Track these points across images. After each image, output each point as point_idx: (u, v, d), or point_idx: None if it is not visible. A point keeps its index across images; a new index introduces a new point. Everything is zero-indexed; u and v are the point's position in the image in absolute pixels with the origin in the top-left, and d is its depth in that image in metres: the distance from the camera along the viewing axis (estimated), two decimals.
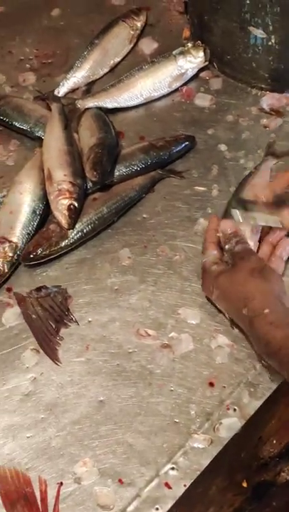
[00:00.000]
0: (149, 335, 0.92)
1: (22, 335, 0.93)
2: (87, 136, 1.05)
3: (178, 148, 1.06)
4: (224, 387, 0.87)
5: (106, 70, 1.20)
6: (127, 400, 0.86)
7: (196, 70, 1.15)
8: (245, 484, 0.99)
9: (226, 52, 1.13)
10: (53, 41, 1.27)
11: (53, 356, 0.91)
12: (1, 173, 1.09)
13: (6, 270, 0.96)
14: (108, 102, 1.12)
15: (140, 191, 1.03)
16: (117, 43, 1.21)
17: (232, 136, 1.11)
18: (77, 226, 0.98)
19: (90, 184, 1.02)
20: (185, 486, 0.79)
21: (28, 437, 0.85)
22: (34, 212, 0.99)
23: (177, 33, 1.26)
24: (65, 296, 0.95)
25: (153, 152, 1.05)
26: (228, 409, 0.85)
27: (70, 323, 0.94)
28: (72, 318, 0.94)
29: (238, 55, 1.12)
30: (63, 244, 0.97)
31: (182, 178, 1.06)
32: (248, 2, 1.04)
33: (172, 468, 0.80)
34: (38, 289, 0.96)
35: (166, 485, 0.79)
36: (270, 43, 1.07)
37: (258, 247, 0.94)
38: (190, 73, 1.15)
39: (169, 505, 0.78)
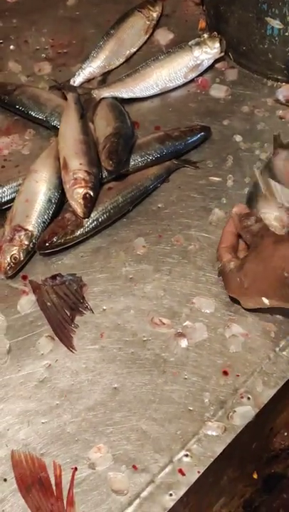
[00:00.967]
0: (164, 323, 0.92)
1: (37, 322, 0.94)
2: (103, 125, 1.06)
3: (193, 139, 1.07)
4: (238, 375, 0.87)
5: (121, 60, 1.20)
6: (141, 388, 0.87)
7: (211, 60, 1.15)
8: (255, 476, 1.00)
9: (242, 43, 1.13)
10: (69, 31, 1.27)
11: (68, 343, 0.91)
12: (17, 161, 1.10)
13: (22, 258, 0.97)
14: (124, 92, 1.12)
15: (155, 181, 1.03)
16: (133, 33, 1.21)
17: (247, 127, 1.11)
18: (92, 215, 0.98)
19: (105, 173, 1.02)
20: (199, 472, 0.80)
21: (43, 423, 0.85)
22: (50, 200, 1.00)
23: (193, 23, 1.25)
24: (80, 285, 0.96)
25: (168, 142, 1.05)
26: (242, 397, 0.85)
27: (84, 311, 0.94)
28: (87, 306, 0.94)
29: (254, 45, 1.12)
30: (78, 233, 0.98)
31: (197, 168, 1.06)
32: None
33: (186, 455, 0.81)
34: (53, 277, 0.96)
35: (180, 471, 0.80)
36: (287, 34, 1.07)
37: None
38: (206, 64, 1.15)
39: (183, 492, 0.78)
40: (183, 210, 1.02)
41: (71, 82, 1.17)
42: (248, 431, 0.84)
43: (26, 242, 0.97)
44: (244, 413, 0.84)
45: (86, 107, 1.09)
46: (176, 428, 0.83)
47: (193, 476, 0.79)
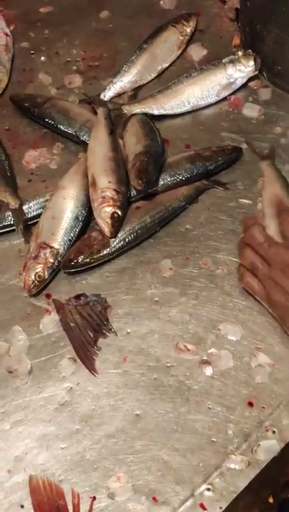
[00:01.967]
0: (189, 349, 0.90)
1: (59, 343, 0.92)
2: (133, 142, 1.04)
3: (224, 159, 1.04)
4: (263, 407, 0.85)
5: (153, 75, 1.18)
6: (164, 416, 0.85)
7: (245, 79, 1.13)
8: (271, 500, 0.97)
9: (277, 63, 1.10)
10: (101, 44, 1.25)
11: (90, 366, 0.90)
12: (44, 176, 1.08)
13: (46, 276, 0.95)
14: (155, 108, 1.10)
15: (184, 201, 1.01)
16: (166, 48, 1.19)
17: (279, 150, 1.08)
18: (119, 235, 0.96)
19: (133, 192, 1.00)
20: (221, 508, 0.78)
21: (62, 448, 0.84)
22: (77, 218, 0.98)
23: (227, 40, 1.23)
24: (105, 306, 0.94)
25: (199, 162, 1.02)
26: (267, 430, 0.83)
27: (108, 334, 0.92)
28: (110, 329, 0.92)
29: None
30: (105, 252, 0.96)
31: (227, 189, 1.04)
32: None
33: (208, 489, 0.79)
34: (77, 297, 0.95)
35: (202, 506, 0.78)
36: None
37: None
38: (239, 82, 1.13)
39: None
40: (211, 233, 1.00)
41: (101, 97, 1.15)
42: (271, 465, 0.82)
43: (51, 260, 0.95)
44: (269, 447, 0.82)
45: (116, 123, 1.07)
46: (198, 460, 0.81)
47: None
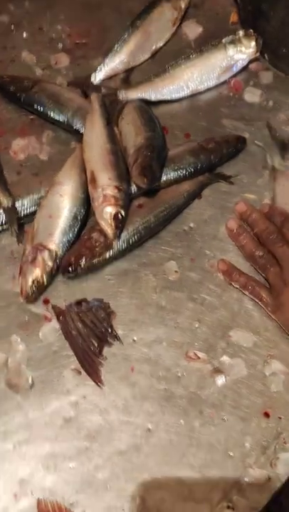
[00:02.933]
0: (199, 358, 0.86)
1: (61, 352, 0.87)
2: (131, 133, 0.96)
3: (229, 151, 0.98)
4: (280, 418, 0.82)
5: (147, 55, 1.09)
6: (177, 429, 0.82)
7: (246, 61, 1.05)
8: None
9: (283, 46, 1.03)
10: (88, 18, 1.15)
11: (96, 378, 0.85)
12: (35, 168, 1.00)
13: (45, 282, 0.89)
14: (152, 93, 1.02)
15: (188, 198, 0.95)
16: (160, 25, 1.10)
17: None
18: (122, 236, 0.90)
19: (134, 188, 0.93)
20: None
21: (70, 468, 0.80)
22: (75, 217, 0.91)
23: (224, 16, 1.14)
24: (108, 312, 0.89)
25: (203, 155, 0.96)
26: (285, 442, 0.81)
27: (113, 342, 0.87)
28: (116, 336, 0.87)
29: None
30: (107, 255, 0.90)
31: (232, 183, 0.98)
32: None
33: (228, 507, 0.77)
34: (79, 303, 0.89)
35: None
36: None
37: None
38: (240, 65, 1.05)
39: None
40: (217, 232, 0.94)
41: (92, 79, 1.06)
42: None
43: (50, 264, 0.89)
44: (288, 460, 0.79)
45: (111, 111, 0.99)
46: (216, 476, 0.79)
47: None
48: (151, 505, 0.77)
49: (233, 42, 1.05)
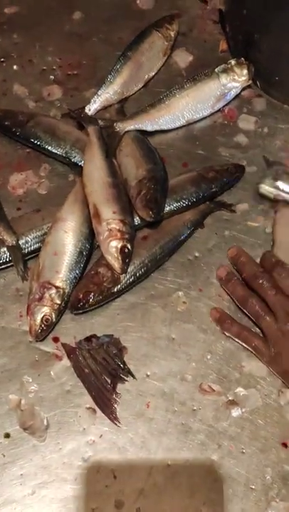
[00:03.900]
0: (214, 390, 0.86)
1: (75, 391, 0.86)
2: (132, 165, 0.96)
3: (229, 180, 0.99)
4: None
5: (140, 85, 1.10)
6: (197, 464, 0.81)
7: (239, 89, 1.07)
8: None
9: (275, 73, 1.04)
10: (78, 49, 1.15)
11: (112, 416, 0.84)
12: (34, 203, 0.99)
13: (54, 320, 0.88)
14: (149, 124, 1.03)
15: (192, 227, 0.95)
16: (152, 55, 1.10)
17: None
18: (129, 269, 0.90)
19: (137, 219, 0.93)
20: None
21: (93, 509, 0.78)
22: (81, 253, 0.91)
23: (212, 43, 1.15)
24: (120, 347, 0.88)
25: (204, 185, 0.96)
26: None
27: (126, 378, 0.87)
28: (129, 372, 0.87)
29: None
30: (115, 289, 0.89)
31: (234, 212, 0.98)
32: None
33: None
34: (88, 339, 0.88)
35: None
36: None
37: None
38: (234, 93, 1.06)
39: None
40: (222, 260, 0.95)
41: (86, 110, 1.06)
42: None
43: (58, 301, 0.88)
44: None
45: (110, 143, 0.99)
46: (239, 510, 0.78)
47: None
48: None
49: (225, 71, 1.06)
